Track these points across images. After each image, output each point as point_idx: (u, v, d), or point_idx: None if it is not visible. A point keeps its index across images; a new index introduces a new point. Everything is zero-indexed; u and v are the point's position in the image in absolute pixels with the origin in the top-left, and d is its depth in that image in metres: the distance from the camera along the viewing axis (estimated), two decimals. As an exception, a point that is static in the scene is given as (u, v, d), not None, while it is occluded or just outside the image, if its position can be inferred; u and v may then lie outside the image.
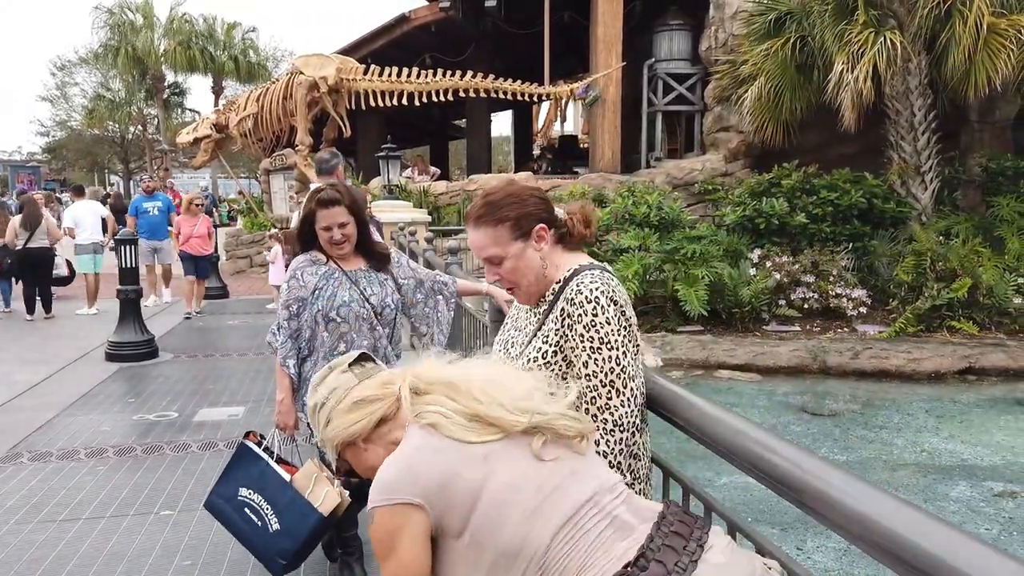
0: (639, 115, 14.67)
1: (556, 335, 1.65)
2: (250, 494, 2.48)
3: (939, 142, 10.49)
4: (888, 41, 9.11)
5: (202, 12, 32.63)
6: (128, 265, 7.27)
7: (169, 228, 10.80)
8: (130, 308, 7.31)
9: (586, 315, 1.59)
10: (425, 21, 14.71)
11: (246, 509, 2.47)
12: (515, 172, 18.39)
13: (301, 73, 13.54)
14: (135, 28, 29.52)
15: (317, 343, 2.83)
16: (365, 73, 13.34)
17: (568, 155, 18.90)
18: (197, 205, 10.44)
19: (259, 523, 2.44)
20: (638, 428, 1.64)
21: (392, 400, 1.40)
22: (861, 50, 9.22)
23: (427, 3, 15.09)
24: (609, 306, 1.60)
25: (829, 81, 9.51)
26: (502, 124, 30.07)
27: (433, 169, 16.64)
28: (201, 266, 10.05)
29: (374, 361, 1.52)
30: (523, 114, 23.45)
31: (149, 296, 10.33)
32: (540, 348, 1.67)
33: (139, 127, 34.89)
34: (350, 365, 1.48)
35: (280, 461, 2.59)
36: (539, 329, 1.70)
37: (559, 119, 24.72)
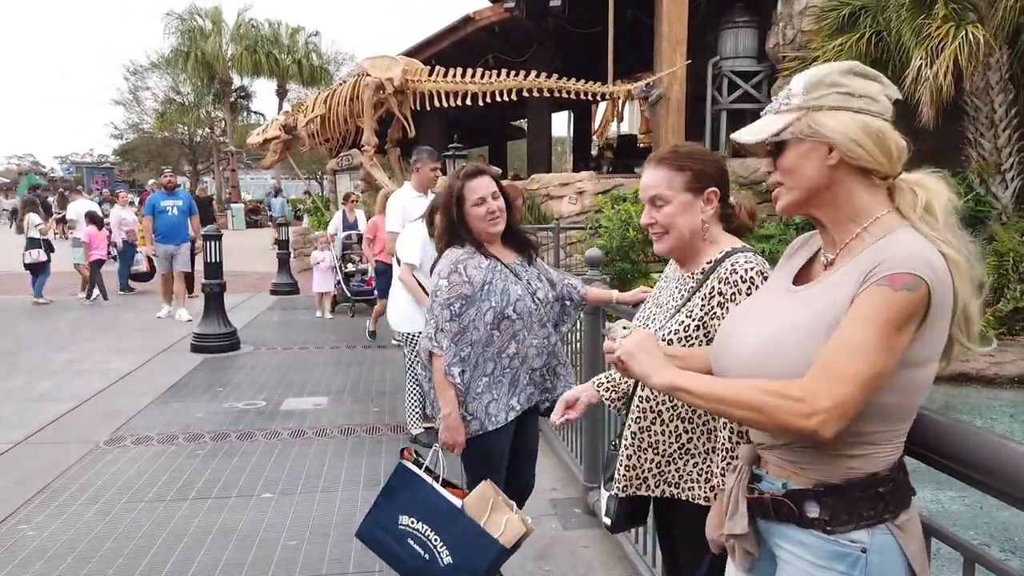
0: (702, 113, 14.53)
1: (702, 311, 1.68)
2: (413, 523, 2.20)
3: (1020, 139, 10.13)
4: (970, 35, 8.85)
5: (267, 17, 33.51)
6: (213, 260, 7.55)
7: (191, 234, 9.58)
8: (214, 301, 7.59)
9: (740, 293, 1.63)
10: (489, 22, 14.83)
11: (409, 540, 2.20)
12: (573, 171, 18.38)
13: (368, 75, 13.80)
14: (204, 33, 30.50)
15: (483, 345, 2.49)
16: (430, 74, 13.54)
17: (627, 154, 18.80)
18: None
19: (426, 556, 2.16)
20: None
21: None
22: (941, 44, 8.97)
23: (491, 4, 15.22)
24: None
25: (906, 77, 9.28)
26: (558, 124, 30.05)
27: (494, 169, 16.75)
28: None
29: None
30: (582, 114, 23.40)
31: (162, 307, 9.46)
32: (683, 322, 1.70)
33: (207, 129, 35.99)
34: None
35: (446, 484, 2.32)
36: (684, 304, 1.73)
37: (616, 119, 24.61)
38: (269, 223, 22.88)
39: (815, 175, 1.26)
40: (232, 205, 29.88)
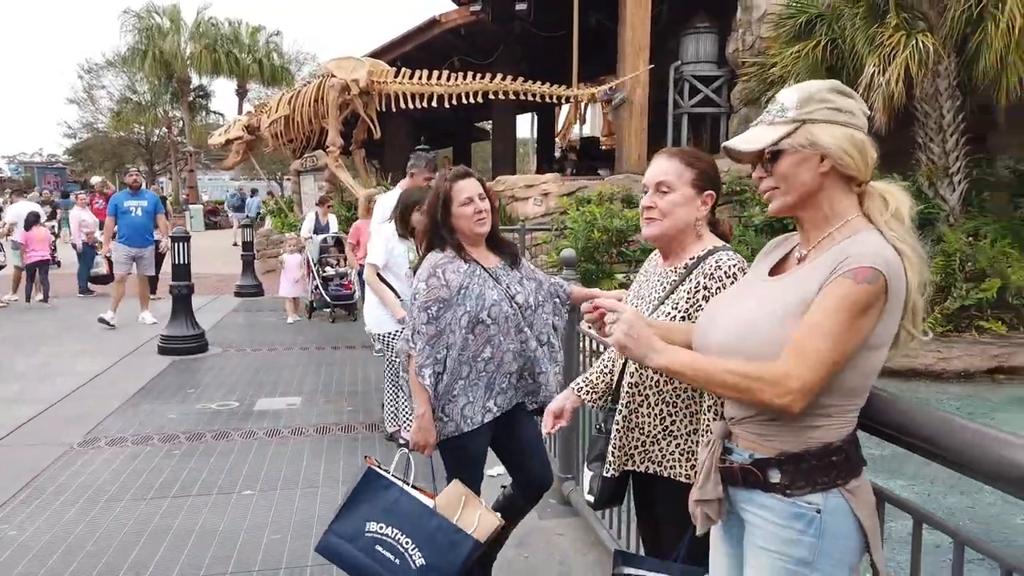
0: (664, 117, 14.82)
1: (688, 304, 1.83)
2: (382, 528, 2.21)
3: (967, 144, 10.57)
4: (920, 43, 9.22)
5: (227, 16, 33.13)
6: (181, 262, 7.52)
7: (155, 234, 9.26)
8: (182, 303, 7.56)
9: (724, 288, 1.78)
10: (455, 24, 14.94)
11: (378, 547, 2.19)
12: (536, 172, 18.57)
13: (333, 76, 13.80)
14: (162, 32, 30.05)
15: (459, 349, 2.50)
16: (396, 76, 13.59)
17: (590, 156, 19.06)
18: None
19: (397, 561, 2.16)
20: None
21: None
22: (893, 52, 9.32)
23: (457, 7, 15.32)
24: None
25: (860, 83, 9.62)
26: (522, 126, 30.24)
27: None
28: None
29: None
30: (546, 116, 23.64)
31: (107, 312, 8.79)
32: (669, 314, 1.85)
33: (164, 129, 35.41)
34: None
35: (414, 487, 2.34)
36: (668, 296, 1.88)
37: (579, 121, 24.88)
38: (234, 224, 22.61)
39: (809, 181, 1.44)
40: (191, 206, 29.46)
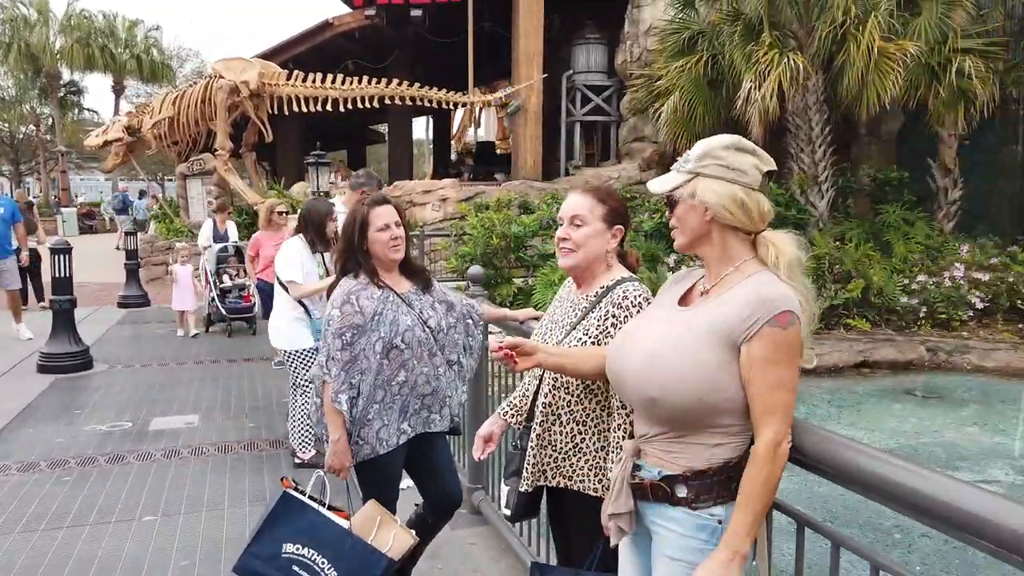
0: (558, 124, 15.22)
1: (597, 330, 1.99)
2: (298, 549, 2.26)
3: (834, 154, 11.44)
4: (791, 61, 9.91)
5: (102, 8, 31.23)
6: (62, 275, 7.15)
7: (15, 245, 8.49)
8: (63, 318, 7.19)
9: (631, 316, 1.95)
10: (349, 28, 14.79)
11: (295, 567, 2.26)
12: (433, 176, 18.61)
13: (221, 77, 13.40)
14: (29, 23, 28.07)
15: (374, 374, 2.55)
16: (288, 78, 13.34)
17: (487, 162, 19.29)
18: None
19: None
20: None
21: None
22: (767, 69, 9.98)
23: (351, 10, 15.16)
24: None
25: (739, 97, 10.25)
26: (418, 127, 30.15)
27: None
28: None
29: None
30: (441, 119, 23.68)
31: None
32: (580, 339, 2.00)
33: (31, 127, 33.06)
34: None
35: (331, 508, 2.41)
36: (579, 322, 2.04)
37: (473, 125, 25.10)
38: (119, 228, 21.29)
39: (696, 226, 1.65)
40: (63, 209, 27.67)
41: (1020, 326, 9.68)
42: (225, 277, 9.21)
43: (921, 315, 9.91)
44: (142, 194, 26.40)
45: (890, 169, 11.86)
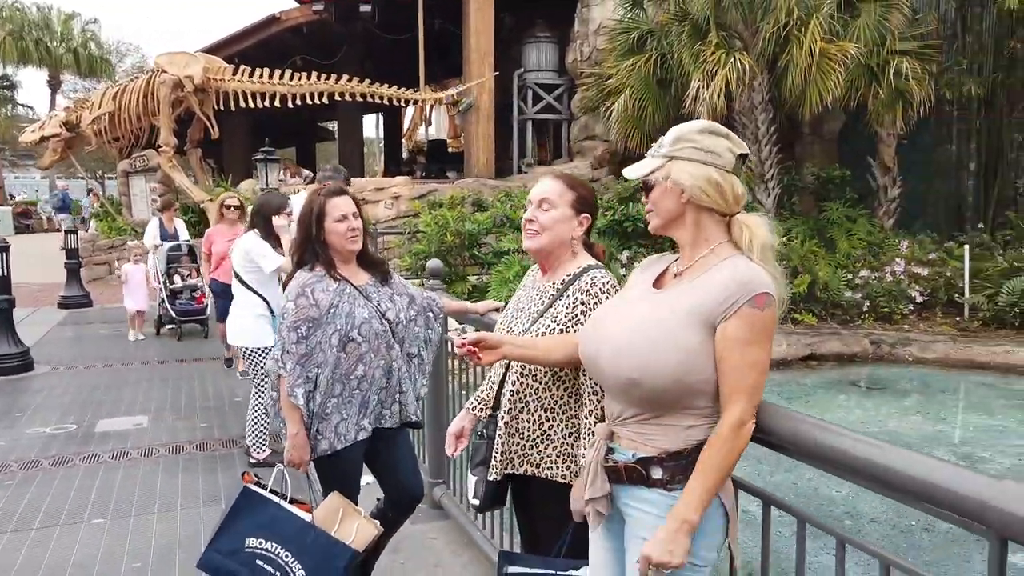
0: (509, 122, 15.24)
1: (566, 317, 1.99)
2: (261, 543, 2.26)
3: (779, 152, 11.70)
4: (738, 61, 10.11)
5: (36, 1, 29.89)
6: (0, 274, 6.88)
7: None
8: (2, 318, 6.92)
9: (600, 303, 1.96)
10: (296, 23, 14.57)
11: (259, 561, 2.24)
12: (385, 174, 18.46)
13: (164, 71, 13.07)
14: (-44, 14, 26.91)
15: (331, 367, 2.52)
16: (234, 73, 13.08)
17: (439, 160, 19.22)
18: None
19: (278, 574, 2.24)
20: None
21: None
22: (715, 69, 10.16)
23: (298, 4, 14.93)
24: None
25: (687, 96, 10.41)
26: (368, 125, 29.87)
27: (305, 172, 16.46)
28: None
29: None
30: (392, 117, 23.51)
31: None
32: (548, 326, 2.00)
33: (-40, 122, 31.70)
34: None
35: (293, 501, 2.40)
36: (547, 310, 2.04)
37: (424, 123, 24.97)
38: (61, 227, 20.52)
39: (672, 208, 1.66)
40: (-3, 208, 26.62)
41: (958, 319, 10.07)
42: (176, 278, 8.76)
43: (864, 309, 10.22)
44: (90, 191, 25.55)
45: (833, 168, 12.19)
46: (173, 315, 8.55)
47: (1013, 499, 1.14)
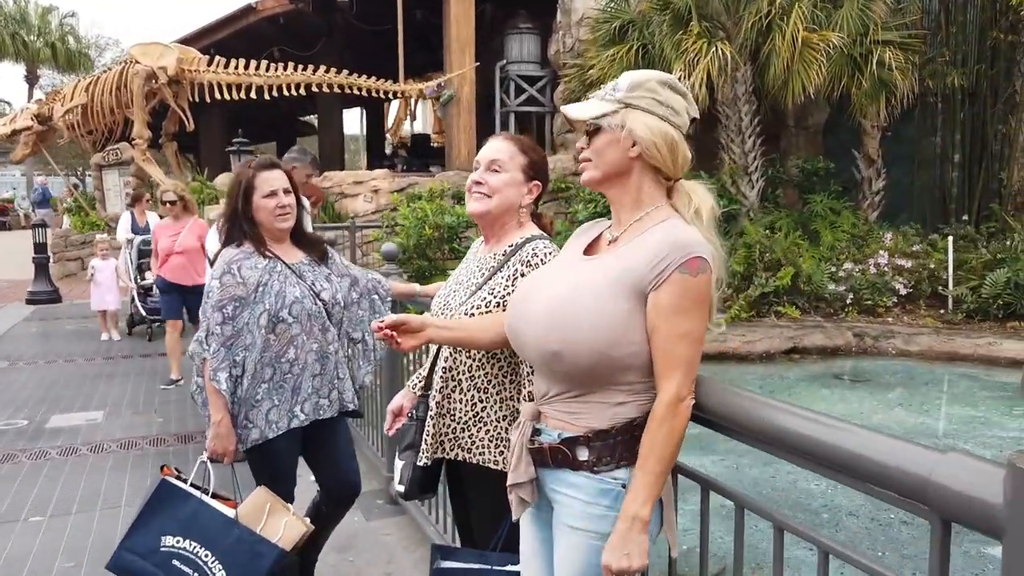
0: (491, 115, 15.05)
1: (504, 291, 1.82)
2: (179, 542, 2.12)
3: (763, 144, 11.58)
4: (720, 51, 9.95)
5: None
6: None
7: None
8: (-43, 313, 6.69)
9: None
10: (273, 13, 14.30)
11: (175, 561, 2.10)
12: (368, 169, 18.23)
13: (138, 62, 12.81)
14: (-70, 7, 26.47)
15: (260, 350, 2.36)
16: (209, 64, 12.82)
17: (422, 154, 19.02)
18: None
19: (195, 575, 2.09)
20: None
21: None
22: (696, 59, 10.00)
23: (275, -5, 14.68)
24: None
25: (669, 87, 10.25)
26: (351, 121, 29.62)
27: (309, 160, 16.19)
28: None
29: None
30: (374, 111, 23.25)
31: None
32: (485, 299, 1.84)
33: (-65, 117, 31.20)
34: None
35: (215, 496, 2.25)
36: (485, 283, 1.87)
37: (409, 118, 24.74)
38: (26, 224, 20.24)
39: (617, 161, 1.48)
40: (-29, 205, 26.25)
41: (941, 311, 9.96)
42: (148, 273, 8.14)
43: (848, 302, 10.10)
44: (76, 187, 25.18)
45: (817, 160, 12.08)
46: (144, 314, 8.17)
47: (959, 472, 0.93)
